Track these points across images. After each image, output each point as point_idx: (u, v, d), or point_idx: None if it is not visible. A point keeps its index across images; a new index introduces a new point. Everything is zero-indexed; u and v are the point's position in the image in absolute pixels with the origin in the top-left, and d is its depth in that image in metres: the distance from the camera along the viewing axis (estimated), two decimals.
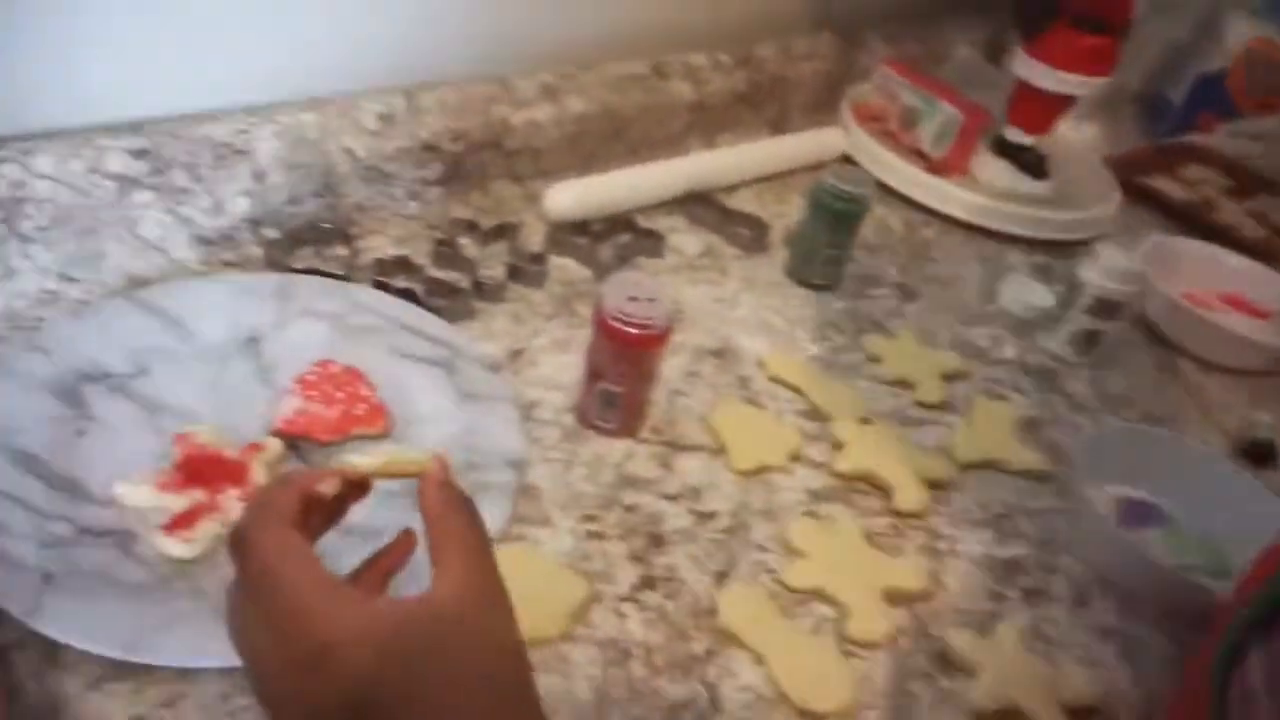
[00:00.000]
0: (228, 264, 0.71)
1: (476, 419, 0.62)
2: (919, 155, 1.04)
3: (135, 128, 0.65)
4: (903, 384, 0.78)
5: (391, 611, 0.35)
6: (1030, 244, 1.01)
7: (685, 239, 0.88)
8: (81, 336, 0.59)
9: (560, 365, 0.70)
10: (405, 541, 0.42)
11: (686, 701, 0.51)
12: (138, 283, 0.66)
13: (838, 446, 0.69)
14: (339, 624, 0.33)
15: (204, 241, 0.70)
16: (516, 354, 0.70)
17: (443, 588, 0.36)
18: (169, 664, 0.45)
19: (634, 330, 0.60)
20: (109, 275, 0.66)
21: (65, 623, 0.45)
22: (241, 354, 0.63)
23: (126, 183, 0.64)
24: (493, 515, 0.55)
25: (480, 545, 0.39)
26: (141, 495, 0.52)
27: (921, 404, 0.76)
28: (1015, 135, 1.04)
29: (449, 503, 0.39)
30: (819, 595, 0.59)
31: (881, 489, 0.67)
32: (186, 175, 0.66)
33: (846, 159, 1.05)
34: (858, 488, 0.67)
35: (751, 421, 0.70)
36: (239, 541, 0.36)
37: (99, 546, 0.50)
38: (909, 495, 0.66)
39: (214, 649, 0.44)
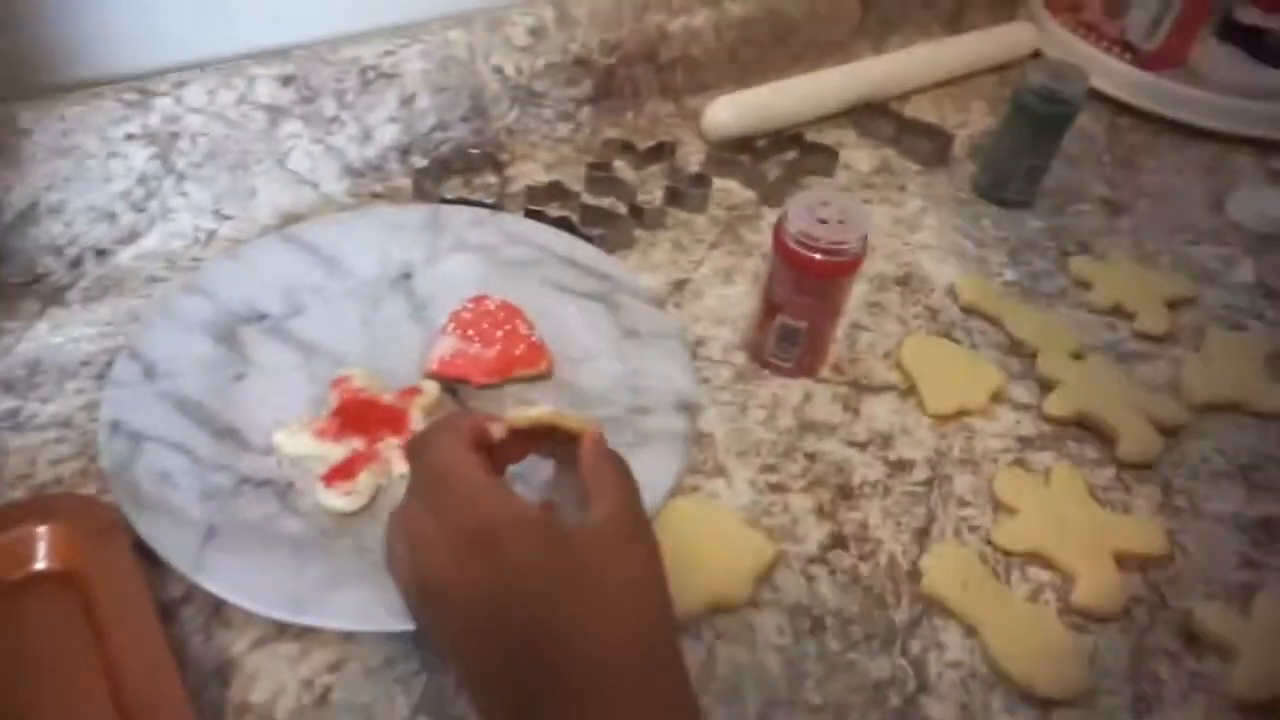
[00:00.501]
0: (375, 195, 0.67)
1: (641, 358, 0.57)
2: (1126, 48, 0.90)
3: (283, 54, 0.61)
4: (1118, 312, 0.67)
5: (553, 519, 0.37)
6: (1265, 146, 0.86)
7: (857, 154, 0.79)
8: (237, 277, 0.57)
9: (727, 297, 0.64)
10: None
11: (890, 679, 0.45)
12: (289, 218, 0.64)
13: (1047, 386, 0.60)
14: (507, 511, 0.36)
15: (352, 172, 0.67)
16: (679, 285, 0.65)
17: (597, 517, 0.38)
18: (333, 626, 0.42)
19: (822, 256, 0.52)
20: (261, 211, 0.64)
21: (228, 579, 0.43)
22: (393, 291, 0.60)
23: (276, 112, 0.61)
24: (665, 465, 0.50)
25: (631, 496, 0.39)
26: (300, 444, 0.50)
27: (1142, 335, 0.66)
28: (1250, 16, 0.88)
29: (603, 455, 0.40)
30: (1036, 558, 0.51)
31: (1102, 435, 0.58)
32: (334, 103, 0.63)
33: (1037, 56, 0.92)
34: (1073, 434, 0.58)
35: (945, 358, 0.62)
36: (418, 444, 0.39)
37: (259, 498, 0.48)
38: (1136, 442, 0.57)
39: (379, 613, 0.42)
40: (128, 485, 0.46)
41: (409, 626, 0.41)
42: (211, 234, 0.62)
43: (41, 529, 0.43)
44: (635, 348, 0.57)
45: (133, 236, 0.60)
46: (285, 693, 0.42)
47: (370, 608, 0.42)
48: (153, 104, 0.57)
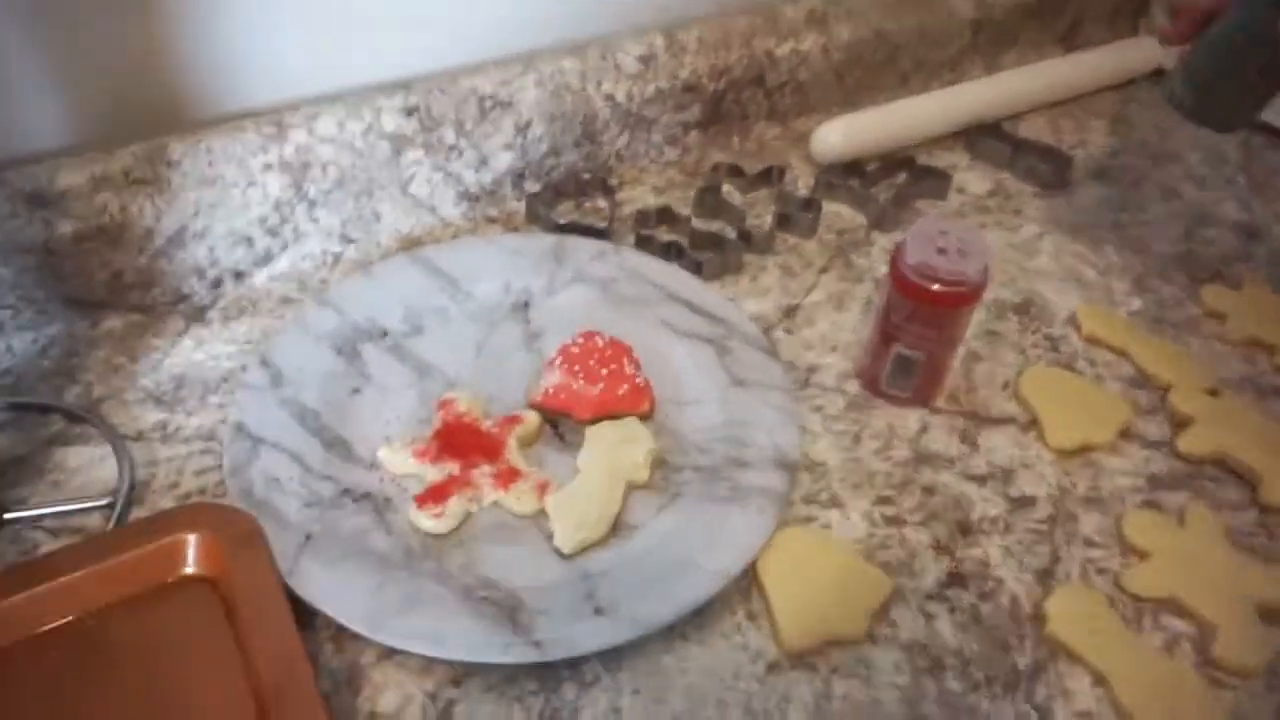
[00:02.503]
0: (490, 219, 0.69)
1: (746, 408, 0.55)
2: None
3: (405, 85, 0.64)
4: (1256, 345, 0.64)
5: None
6: None
7: (970, 176, 0.78)
8: (366, 293, 0.60)
9: (839, 323, 0.63)
10: None
11: None
12: (408, 242, 0.67)
13: (1180, 423, 0.58)
14: None
15: (469, 197, 0.69)
16: (789, 311, 0.64)
17: None
18: (406, 648, 0.43)
19: (941, 287, 0.52)
20: (383, 235, 0.66)
21: (316, 586, 0.45)
22: (510, 318, 0.61)
23: (400, 141, 0.63)
24: (756, 525, 0.49)
25: None
26: (400, 461, 0.52)
27: None
28: None
29: None
30: (1170, 605, 0.49)
31: (1242, 476, 0.55)
32: (454, 131, 0.65)
33: (1161, 74, 0.88)
34: (1210, 474, 0.56)
35: (1068, 390, 0.60)
36: None
37: (357, 511, 0.49)
38: None
39: (452, 641, 0.43)
40: (242, 485, 0.49)
41: (476, 658, 0.42)
42: (338, 257, 0.65)
43: (190, 537, 0.46)
44: (741, 397, 0.56)
45: (267, 259, 0.63)
46: (412, 704, 0.43)
47: (444, 634, 0.43)
48: (288, 135, 0.60)
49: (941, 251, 0.52)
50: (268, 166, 0.60)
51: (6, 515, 0.48)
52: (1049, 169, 0.77)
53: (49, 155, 0.55)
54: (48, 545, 0.48)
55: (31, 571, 0.45)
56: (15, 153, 0.55)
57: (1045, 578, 0.50)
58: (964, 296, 0.52)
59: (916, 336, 0.54)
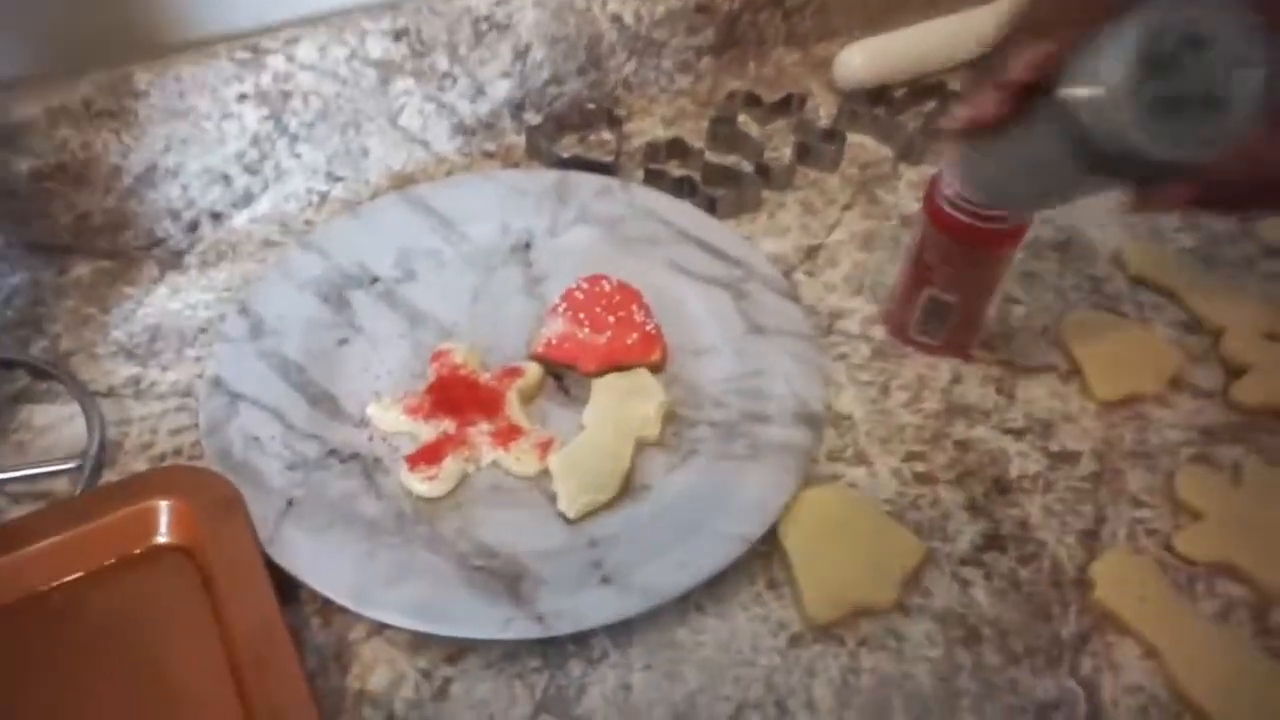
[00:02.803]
0: (488, 154, 0.64)
1: (765, 357, 0.51)
2: None
3: (393, 6, 0.58)
4: None
5: None
6: None
7: None
8: (354, 236, 0.55)
9: (863, 265, 0.59)
10: None
11: (1057, 701, 0.40)
12: (399, 179, 0.62)
13: (1235, 371, 0.53)
14: None
15: (464, 130, 0.64)
16: (811, 252, 0.59)
17: None
18: (397, 624, 0.40)
19: (981, 223, 0.47)
20: (372, 172, 0.61)
21: (299, 556, 0.41)
22: (510, 261, 0.56)
23: (387, 68, 0.58)
24: (777, 484, 0.45)
25: None
26: (391, 419, 0.48)
27: None
28: None
29: None
30: (1226, 570, 0.45)
31: None
32: (447, 57, 0.60)
33: None
34: (1267, 426, 0.51)
35: (1113, 335, 0.55)
36: None
37: (344, 473, 0.46)
38: None
39: (447, 616, 0.40)
40: (220, 445, 0.45)
41: (474, 634, 0.39)
42: (324, 196, 0.60)
43: (163, 503, 0.42)
44: (759, 345, 0.52)
45: (247, 199, 0.58)
46: (404, 682, 0.40)
47: (432, 608, 0.40)
48: (265, 62, 0.55)
49: None
50: (243, 97, 0.55)
51: None
52: None
53: (1, 85, 0.50)
54: (11, 511, 0.44)
55: None
56: None
57: (1090, 540, 0.46)
58: (1008, 234, 0.47)
59: (951, 278, 0.49)
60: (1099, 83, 0.28)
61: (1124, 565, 0.44)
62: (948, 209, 0.47)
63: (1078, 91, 0.29)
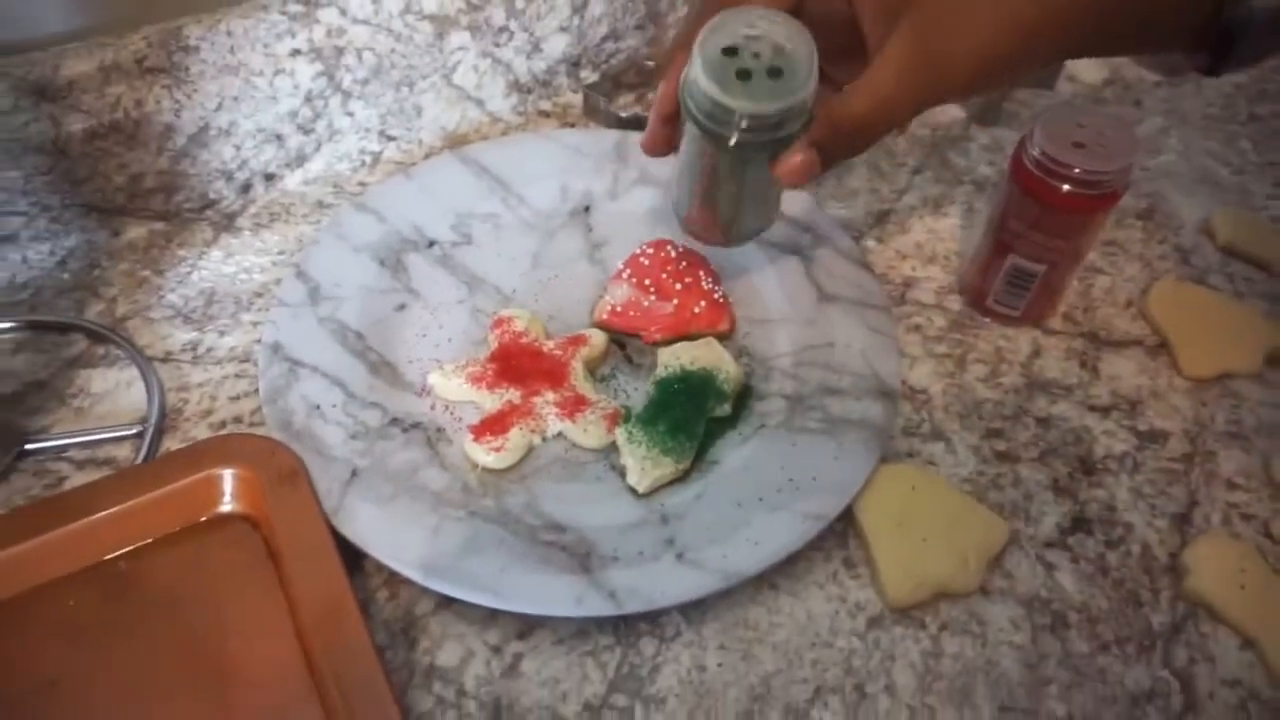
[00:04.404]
0: (543, 114, 0.62)
1: (839, 328, 0.49)
2: None
3: None
4: None
5: None
6: None
7: (1082, 63, 0.68)
8: (410, 198, 0.54)
9: (937, 231, 0.56)
10: None
11: (1149, 693, 0.39)
12: (454, 139, 0.60)
13: None
14: None
15: (519, 88, 0.61)
16: (881, 217, 0.57)
17: None
18: (467, 599, 0.39)
19: (1072, 188, 0.44)
20: (425, 132, 0.60)
21: (365, 527, 0.40)
22: (570, 225, 0.55)
23: (442, 22, 0.56)
24: (854, 464, 0.43)
25: None
26: (454, 387, 0.46)
27: None
28: None
29: None
30: None
31: None
32: (503, 10, 0.57)
33: None
34: None
35: (1204, 308, 0.52)
36: None
37: (407, 443, 0.44)
38: None
39: (518, 592, 0.38)
40: (281, 413, 0.44)
41: (546, 610, 0.38)
42: (377, 156, 0.59)
43: (227, 471, 0.42)
44: (832, 314, 0.50)
45: (300, 159, 0.57)
46: (474, 658, 0.39)
47: (503, 583, 0.39)
48: (317, 16, 0.53)
49: (1078, 146, 0.44)
50: (296, 52, 0.53)
51: (28, 445, 0.44)
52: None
53: (52, 41, 0.49)
54: (73, 477, 0.44)
55: (60, 508, 0.41)
56: (15, 39, 0.48)
57: (1182, 524, 0.44)
58: (1099, 200, 0.45)
59: (1039, 246, 0.47)
60: (693, 73, 0.36)
61: (1220, 551, 0.42)
62: (1036, 172, 0.45)
63: (684, 85, 0.37)
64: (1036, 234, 0.46)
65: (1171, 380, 0.49)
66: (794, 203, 0.55)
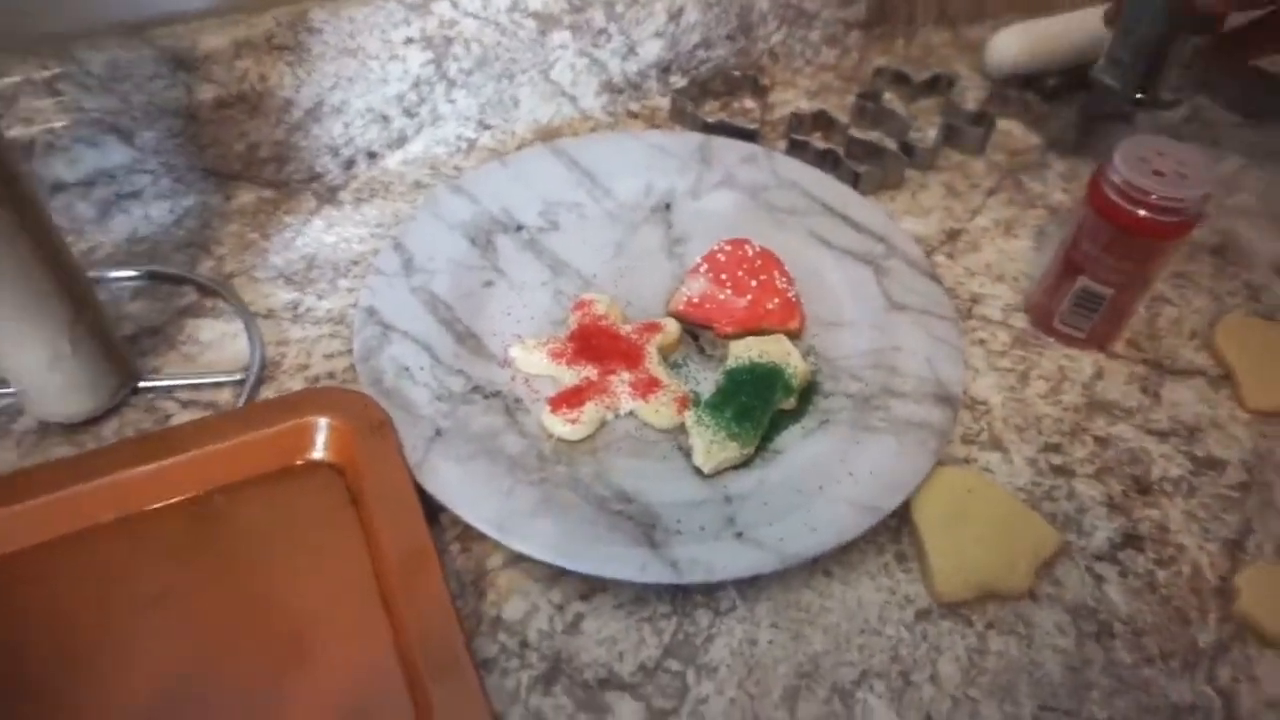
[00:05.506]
0: (632, 114, 0.65)
1: (905, 335, 0.51)
2: None
3: None
4: None
5: None
6: None
7: (1164, 98, 0.69)
8: (503, 183, 0.57)
9: (1006, 252, 0.58)
10: None
11: (1191, 706, 0.40)
12: (545, 132, 0.63)
13: None
14: None
15: (612, 89, 0.64)
16: (953, 235, 0.59)
17: None
18: (537, 557, 0.41)
19: (1148, 214, 0.45)
20: (520, 124, 0.63)
21: (445, 483, 0.43)
22: (652, 220, 0.57)
23: (547, 21, 0.59)
24: (912, 462, 0.45)
25: None
26: (534, 361, 0.49)
27: None
28: None
29: None
30: None
31: None
32: (604, 13, 0.60)
33: None
34: None
35: (1269, 343, 0.53)
36: None
37: (487, 409, 0.47)
38: None
39: (586, 553, 0.41)
40: (373, 372, 0.47)
41: (612, 574, 0.40)
42: (473, 143, 0.62)
43: (321, 420, 0.45)
44: (900, 322, 0.51)
45: (401, 141, 0.60)
46: (538, 614, 0.41)
47: (570, 544, 0.41)
48: (431, 7, 0.56)
49: (1157, 174, 0.45)
50: (409, 40, 0.57)
51: (141, 383, 0.48)
52: (1255, 93, 0.68)
53: (193, 16, 0.53)
54: (179, 416, 0.47)
55: (162, 442, 0.44)
56: (160, 11, 0.53)
57: (1234, 549, 0.45)
58: (1173, 228, 0.46)
59: (1109, 269, 0.48)
60: None
61: (1272, 578, 0.43)
62: (1114, 196, 0.46)
63: None
64: (1108, 257, 0.48)
65: (1233, 411, 0.50)
66: (870, 215, 0.57)
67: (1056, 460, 0.48)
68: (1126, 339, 0.53)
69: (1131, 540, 0.45)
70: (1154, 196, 0.45)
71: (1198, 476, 0.47)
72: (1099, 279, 0.49)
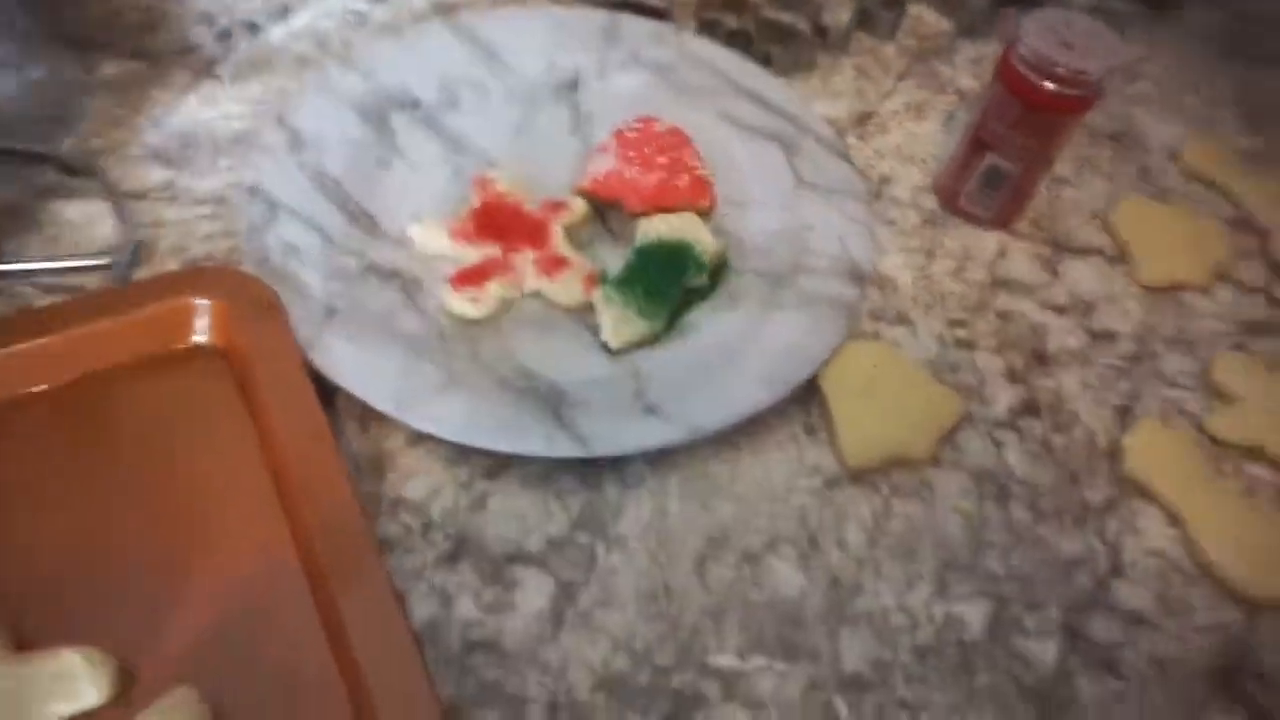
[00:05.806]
0: None
1: (815, 213, 0.50)
2: None
3: None
4: None
5: None
6: None
7: None
8: (397, 58, 0.53)
9: (915, 135, 0.57)
10: None
11: (1079, 558, 0.41)
12: (441, 7, 0.59)
13: None
14: None
15: None
16: (863, 118, 0.58)
17: None
18: (439, 434, 0.39)
19: (1056, 86, 0.45)
20: None
21: (340, 362, 0.41)
22: (556, 99, 0.55)
23: None
24: (823, 334, 0.45)
25: None
26: (433, 240, 0.47)
27: None
28: None
29: None
30: (1255, 454, 0.45)
31: None
32: None
33: None
34: None
35: (1162, 224, 0.54)
36: None
37: (384, 288, 0.45)
38: None
39: (490, 429, 0.39)
40: (258, 251, 0.44)
41: (517, 448, 0.39)
42: (363, 17, 0.58)
43: (201, 301, 0.42)
44: (810, 200, 0.51)
45: (284, 12, 0.56)
46: (442, 492, 0.40)
47: (474, 421, 0.40)
48: None
49: (1065, 45, 0.45)
50: None
51: None
52: None
53: None
54: (42, 303, 0.43)
55: (25, 323, 0.40)
56: None
57: (1123, 415, 0.46)
58: (1079, 101, 0.46)
59: (1015, 146, 0.48)
60: None
61: (1156, 438, 0.45)
62: (1022, 69, 0.46)
63: None
64: (1015, 134, 0.48)
65: (1126, 286, 0.52)
66: (781, 96, 0.55)
67: (961, 334, 0.48)
68: (1029, 219, 0.54)
69: (1029, 408, 0.46)
70: (1061, 68, 0.45)
71: (1092, 348, 0.49)
72: (1006, 155, 0.49)
